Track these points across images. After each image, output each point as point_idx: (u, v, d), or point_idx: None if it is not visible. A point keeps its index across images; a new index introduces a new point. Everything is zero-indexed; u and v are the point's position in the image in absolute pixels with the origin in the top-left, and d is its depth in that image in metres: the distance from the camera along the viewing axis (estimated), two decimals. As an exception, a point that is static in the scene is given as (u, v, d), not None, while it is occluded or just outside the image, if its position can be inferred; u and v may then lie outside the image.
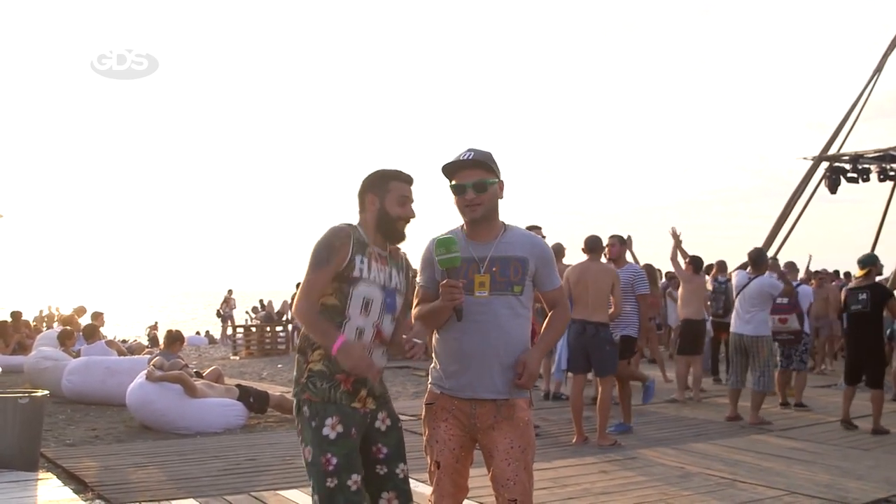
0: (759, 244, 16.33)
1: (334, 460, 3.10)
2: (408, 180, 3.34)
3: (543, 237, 8.30)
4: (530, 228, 7.99)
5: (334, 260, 3.16)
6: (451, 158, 3.27)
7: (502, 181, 3.28)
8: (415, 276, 3.46)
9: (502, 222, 3.33)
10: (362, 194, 3.33)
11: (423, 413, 3.37)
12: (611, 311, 7.79)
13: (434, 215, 3.41)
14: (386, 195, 3.28)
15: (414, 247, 3.48)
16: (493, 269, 3.22)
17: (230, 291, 29.57)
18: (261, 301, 27.71)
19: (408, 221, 3.32)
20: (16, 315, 16.66)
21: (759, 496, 5.82)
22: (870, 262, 9.12)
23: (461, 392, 3.23)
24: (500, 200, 3.31)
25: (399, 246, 3.46)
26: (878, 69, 17.55)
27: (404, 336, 3.22)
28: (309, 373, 3.22)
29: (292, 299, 21.38)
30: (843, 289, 9.92)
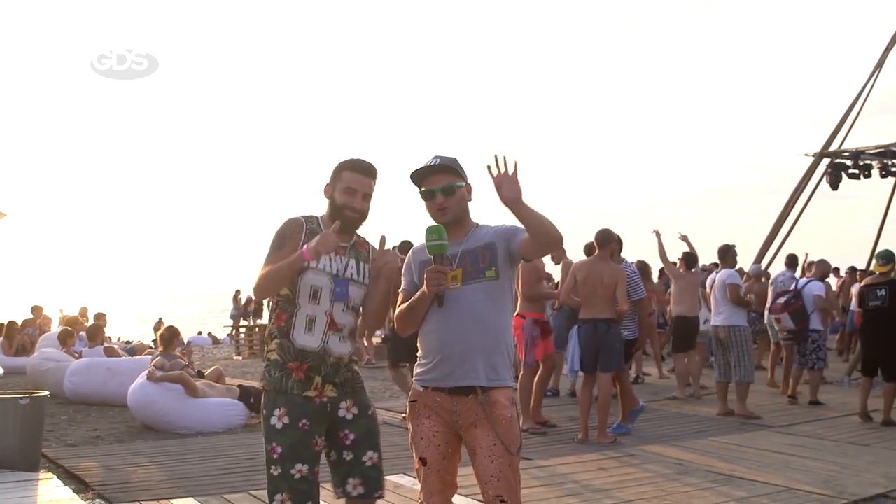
0: (762, 241, 16.31)
1: (279, 449, 3.20)
2: (361, 170, 3.37)
3: None
4: None
5: (286, 247, 3.29)
6: (417, 166, 3.33)
7: (470, 185, 3.34)
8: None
9: (475, 222, 3.39)
10: (324, 187, 3.43)
11: (407, 410, 3.40)
12: (618, 308, 7.82)
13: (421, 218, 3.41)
14: (337, 184, 3.37)
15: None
16: (464, 261, 3.26)
17: (238, 291, 29.61)
18: None
19: (355, 211, 3.36)
20: (36, 309, 17.01)
21: (758, 492, 5.83)
22: (891, 259, 9.14)
23: (443, 382, 3.24)
24: (469, 203, 3.38)
25: (366, 239, 3.51)
26: (879, 65, 17.48)
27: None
28: (267, 362, 3.36)
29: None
30: (853, 285, 10.03)
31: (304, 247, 3.20)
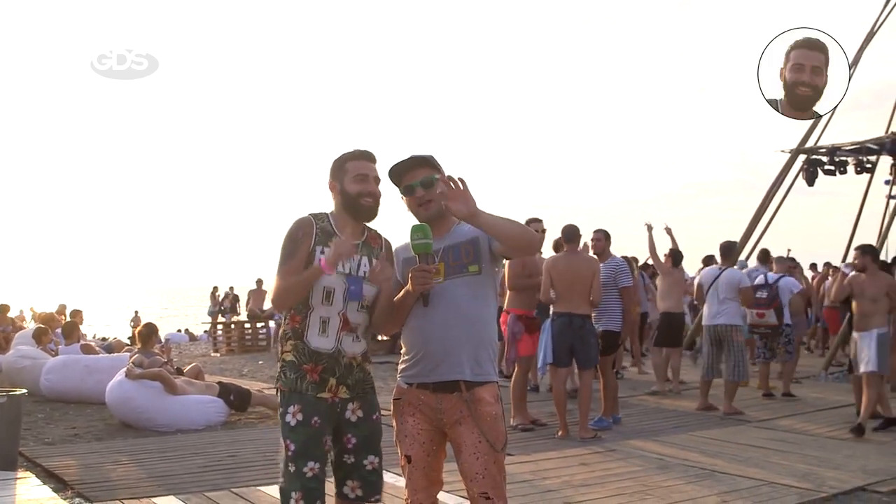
0: (739, 237, 16.42)
1: (292, 446, 3.19)
2: (366, 157, 3.35)
3: (544, 230, 8.38)
4: (531, 221, 8.08)
5: (298, 251, 3.26)
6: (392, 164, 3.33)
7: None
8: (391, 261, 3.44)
9: (457, 218, 3.36)
10: (329, 185, 3.38)
11: (392, 408, 3.39)
12: (592, 300, 7.82)
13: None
14: (344, 177, 3.32)
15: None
16: (447, 256, 3.26)
17: (215, 288, 29.44)
18: (231, 288, 27.57)
19: (371, 196, 3.31)
20: (3, 308, 16.61)
21: (738, 486, 5.87)
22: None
23: (427, 377, 3.23)
24: None
25: (379, 233, 3.46)
26: (854, 62, 17.63)
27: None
28: (282, 363, 3.33)
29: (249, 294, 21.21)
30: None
31: (321, 259, 3.16)
